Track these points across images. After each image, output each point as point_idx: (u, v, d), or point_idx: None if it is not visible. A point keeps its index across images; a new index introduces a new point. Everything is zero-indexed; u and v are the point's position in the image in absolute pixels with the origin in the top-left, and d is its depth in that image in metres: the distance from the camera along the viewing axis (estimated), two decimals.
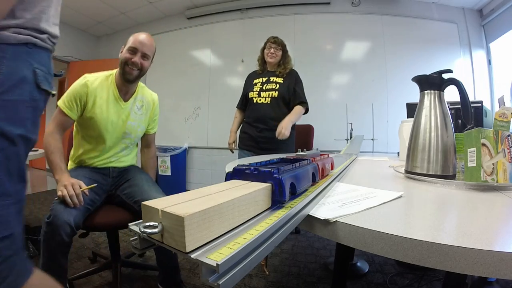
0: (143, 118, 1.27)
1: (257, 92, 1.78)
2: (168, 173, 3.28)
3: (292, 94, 1.76)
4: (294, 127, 1.77)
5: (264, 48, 1.86)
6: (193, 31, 3.70)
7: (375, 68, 3.09)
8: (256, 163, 0.45)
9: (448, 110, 0.70)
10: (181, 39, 3.76)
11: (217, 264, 0.18)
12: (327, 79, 3.23)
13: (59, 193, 0.94)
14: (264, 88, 1.77)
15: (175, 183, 3.30)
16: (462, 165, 0.67)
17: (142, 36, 1.15)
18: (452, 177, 0.67)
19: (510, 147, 0.59)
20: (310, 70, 3.24)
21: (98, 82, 1.14)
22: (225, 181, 0.39)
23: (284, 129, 1.61)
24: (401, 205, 0.46)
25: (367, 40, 3.15)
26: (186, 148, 3.51)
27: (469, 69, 2.98)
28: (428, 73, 0.72)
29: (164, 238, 0.23)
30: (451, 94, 0.73)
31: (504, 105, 1.50)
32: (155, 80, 3.84)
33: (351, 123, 2.69)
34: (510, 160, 0.59)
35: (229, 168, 0.77)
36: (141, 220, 0.26)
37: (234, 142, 1.93)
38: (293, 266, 1.60)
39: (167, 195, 0.29)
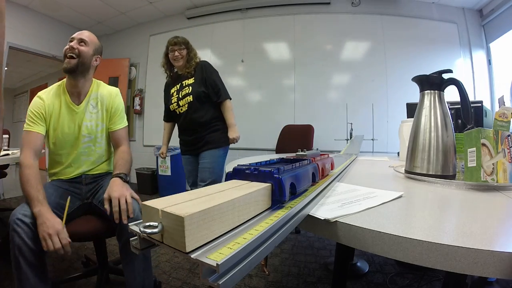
0: (100, 115, 1.19)
1: (176, 103, 1.72)
2: (168, 173, 3.28)
3: (212, 90, 1.68)
4: (221, 118, 1.73)
5: (167, 53, 1.76)
6: (193, 31, 3.69)
7: (375, 68, 3.09)
8: (256, 163, 0.45)
9: (448, 110, 0.70)
10: None
11: (217, 264, 0.18)
12: (327, 79, 3.23)
13: (43, 243, 0.84)
14: (180, 96, 1.71)
15: (175, 183, 3.30)
16: (462, 165, 0.67)
17: (80, 31, 1.15)
18: (452, 177, 0.67)
19: (510, 147, 0.59)
20: (310, 70, 3.25)
21: (51, 93, 1.14)
22: (225, 181, 0.39)
23: (234, 137, 1.69)
24: (401, 205, 0.46)
25: (367, 40, 3.15)
26: None
27: (469, 69, 2.98)
28: (428, 73, 0.72)
29: (164, 238, 0.23)
30: (451, 94, 0.73)
31: (504, 105, 1.50)
32: (156, 80, 3.84)
33: (351, 123, 2.69)
34: (510, 160, 0.59)
35: (229, 168, 0.77)
36: (141, 220, 0.26)
37: (163, 153, 1.94)
38: (293, 266, 1.60)
39: (167, 195, 0.29)
